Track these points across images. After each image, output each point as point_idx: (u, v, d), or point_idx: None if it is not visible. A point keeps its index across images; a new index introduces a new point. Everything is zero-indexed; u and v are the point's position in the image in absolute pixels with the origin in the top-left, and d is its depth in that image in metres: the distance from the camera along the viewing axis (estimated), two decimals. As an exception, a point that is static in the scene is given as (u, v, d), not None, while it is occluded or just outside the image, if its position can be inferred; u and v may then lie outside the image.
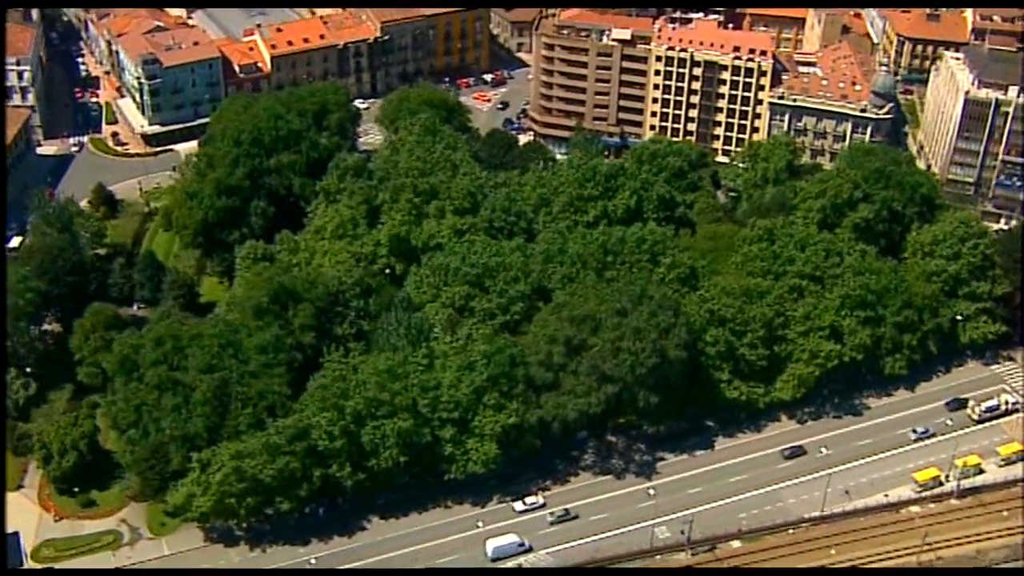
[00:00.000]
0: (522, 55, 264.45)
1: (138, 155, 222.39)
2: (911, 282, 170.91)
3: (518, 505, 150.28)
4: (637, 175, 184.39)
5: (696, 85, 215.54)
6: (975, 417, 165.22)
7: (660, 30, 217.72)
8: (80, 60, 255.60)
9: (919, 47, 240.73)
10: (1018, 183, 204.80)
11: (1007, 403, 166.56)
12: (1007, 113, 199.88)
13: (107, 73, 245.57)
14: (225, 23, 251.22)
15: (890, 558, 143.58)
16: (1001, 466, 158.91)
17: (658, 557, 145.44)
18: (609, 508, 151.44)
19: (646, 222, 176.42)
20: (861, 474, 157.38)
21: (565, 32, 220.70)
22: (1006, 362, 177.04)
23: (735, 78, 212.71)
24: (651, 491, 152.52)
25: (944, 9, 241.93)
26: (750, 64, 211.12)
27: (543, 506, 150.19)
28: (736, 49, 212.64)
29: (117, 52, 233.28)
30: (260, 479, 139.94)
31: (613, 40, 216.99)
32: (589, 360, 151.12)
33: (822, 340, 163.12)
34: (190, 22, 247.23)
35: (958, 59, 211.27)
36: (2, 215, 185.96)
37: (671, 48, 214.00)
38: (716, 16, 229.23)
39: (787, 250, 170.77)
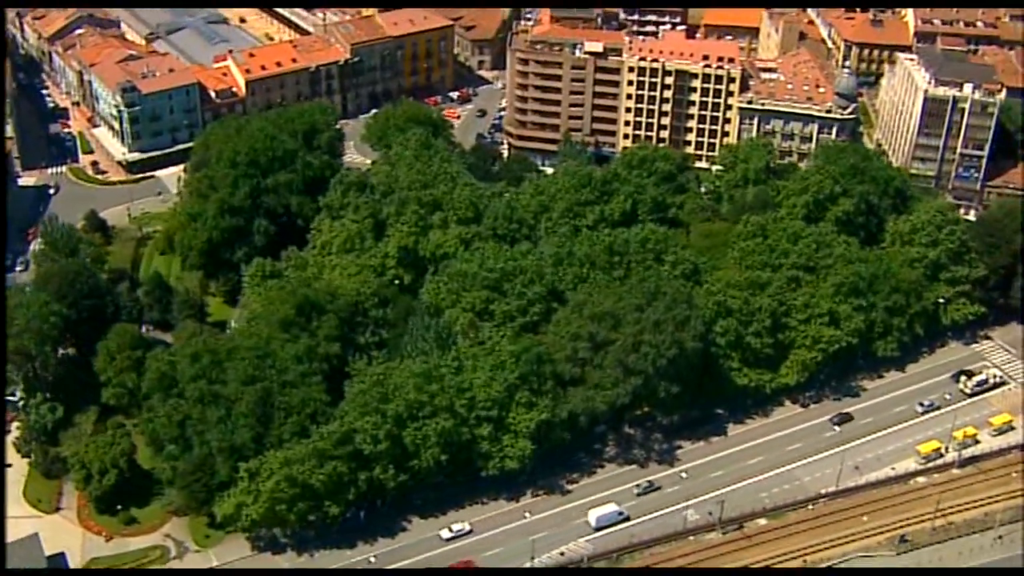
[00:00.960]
0: (483, 72, 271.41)
1: (120, 182, 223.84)
2: (896, 269, 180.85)
3: (444, 532, 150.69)
4: (630, 180, 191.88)
5: (668, 94, 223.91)
6: (967, 391, 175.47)
7: (631, 42, 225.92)
8: (45, 92, 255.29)
9: (866, 51, 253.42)
10: (975, 175, 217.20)
11: (994, 377, 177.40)
12: (964, 109, 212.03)
13: (76, 104, 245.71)
14: (188, 51, 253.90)
15: (909, 524, 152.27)
16: (994, 436, 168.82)
17: (691, 538, 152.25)
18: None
19: (642, 224, 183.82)
20: (867, 450, 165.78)
21: (539, 47, 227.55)
22: (983, 340, 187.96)
23: (705, 85, 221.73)
24: (683, 474, 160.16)
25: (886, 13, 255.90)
26: (719, 72, 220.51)
27: (470, 532, 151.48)
28: (705, 58, 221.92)
29: (90, 82, 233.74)
30: (310, 484, 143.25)
31: (586, 53, 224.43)
32: (614, 354, 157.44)
33: (822, 326, 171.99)
34: (158, 50, 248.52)
35: (912, 60, 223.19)
36: (3, 239, 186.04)
37: (643, 59, 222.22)
38: (682, 28, 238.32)
39: (781, 244, 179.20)
